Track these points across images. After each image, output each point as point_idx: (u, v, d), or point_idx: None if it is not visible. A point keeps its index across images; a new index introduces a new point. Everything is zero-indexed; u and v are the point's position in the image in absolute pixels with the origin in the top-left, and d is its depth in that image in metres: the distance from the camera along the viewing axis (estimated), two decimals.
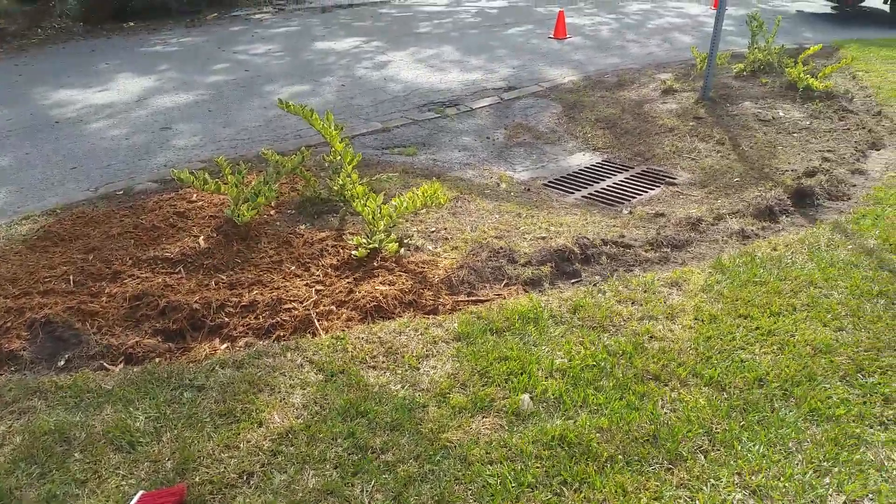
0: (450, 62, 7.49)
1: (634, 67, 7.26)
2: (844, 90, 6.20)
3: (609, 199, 4.37)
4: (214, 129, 5.43)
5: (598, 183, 4.64)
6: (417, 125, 5.47)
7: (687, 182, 4.62)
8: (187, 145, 5.08)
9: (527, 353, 2.53)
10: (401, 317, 2.76)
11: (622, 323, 2.79)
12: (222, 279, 3.08)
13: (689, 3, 10.49)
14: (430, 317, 2.76)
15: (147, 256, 3.30)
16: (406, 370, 2.46)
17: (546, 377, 2.41)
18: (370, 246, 3.18)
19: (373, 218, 3.26)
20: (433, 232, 3.50)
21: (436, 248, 3.33)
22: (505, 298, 2.93)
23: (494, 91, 6.41)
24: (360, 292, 2.90)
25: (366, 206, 3.27)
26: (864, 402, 2.36)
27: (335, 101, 6.16)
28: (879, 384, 2.44)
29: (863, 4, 9.50)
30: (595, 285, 3.10)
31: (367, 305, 2.82)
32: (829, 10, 9.79)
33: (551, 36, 8.67)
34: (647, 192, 4.49)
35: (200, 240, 3.44)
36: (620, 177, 4.75)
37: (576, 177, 4.75)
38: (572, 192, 4.48)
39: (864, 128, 5.32)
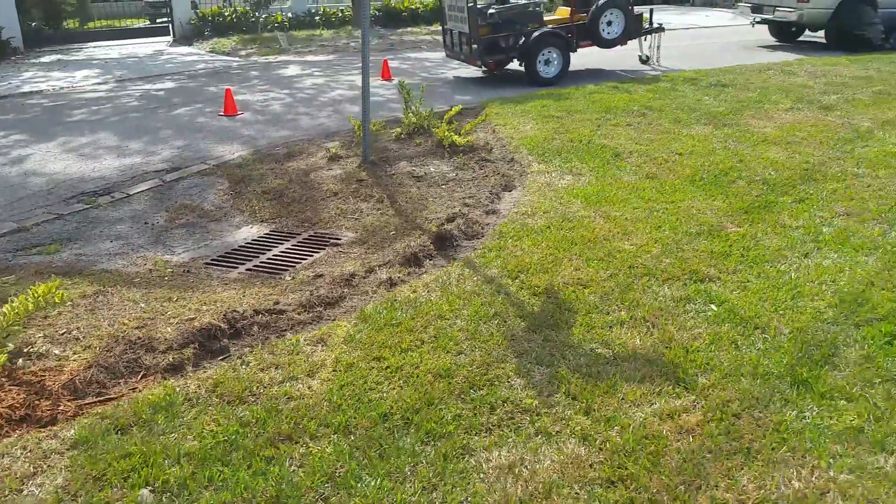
0: (105, 148, 7.14)
1: (305, 138, 7.57)
2: (485, 143, 7.06)
3: (273, 269, 4.47)
4: None
5: (263, 254, 4.73)
6: (63, 220, 5.12)
7: (349, 241, 4.90)
8: None
9: (153, 444, 2.47)
10: (9, 436, 2.53)
11: (262, 390, 2.87)
12: None
13: (359, 77, 11.20)
14: (47, 429, 2.58)
15: None
16: (4, 496, 2.26)
17: (172, 465, 2.38)
18: None
19: None
20: (63, 334, 3.29)
21: (63, 351, 3.13)
22: (140, 391, 2.84)
23: (156, 174, 6.25)
24: None
25: None
26: (474, 414, 2.68)
27: None
28: (487, 395, 2.80)
29: (507, 67, 10.95)
30: (241, 358, 3.15)
31: None
32: (480, 74, 11.12)
33: (221, 113, 8.71)
34: (311, 255, 4.67)
35: None
36: (287, 245, 4.89)
37: (241, 251, 4.79)
38: (236, 267, 4.51)
39: (499, 173, 6.10)
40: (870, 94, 8.32)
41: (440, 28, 12.05)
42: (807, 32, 13.70)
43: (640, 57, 11.65)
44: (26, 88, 11.22)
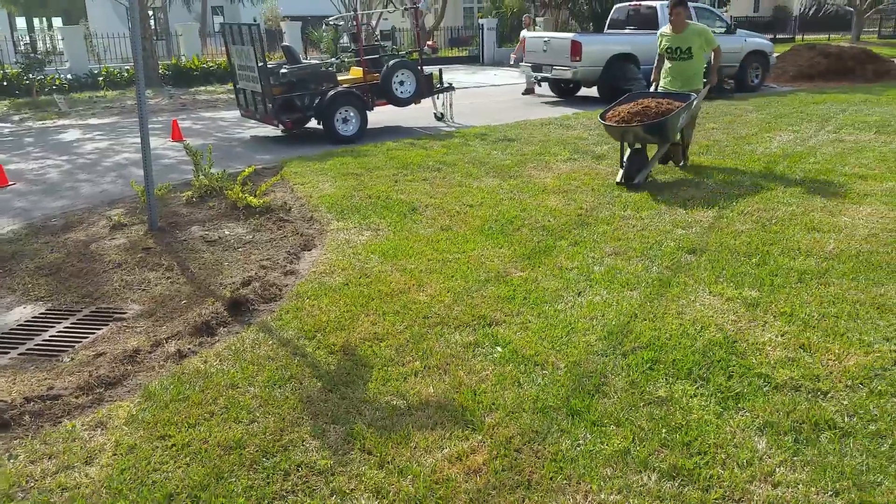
0: None
1: (85, 207, 7.09)
2: (283, 202, 7.02)
3: (50, 350, 4.10)
4: None
5: (39, 335, 4.33)
6: None
7: (136, 314, 4.62)
8: None
9: None
10: None
11: (33, 483, 2.63)
12: None
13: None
14: None
15: None
16: None
17: None
18: None
19: None
20: None
21: None
22: None
23: None
24: None
25: None
26: (267, 483, 2.63)
27: None
28: (280, 462, 2.75)
29: (307, 126, 11.02)
30: (9, 452, 2.85)
31: None
32: (280, 133, 11.08)
33: None
34: (93, 333, 4.35)
35: None
36: (65, 323, 4.51)
37: (13, 334, 4.35)
38: (7, 353, 4.08)
39: (298, 233, 6.09)
40: None
41: (233, 86, 11.92)
42: (582, 88, 15.12)
43: (434, 114, 12.27)
44: None
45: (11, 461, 2.78)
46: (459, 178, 7.63)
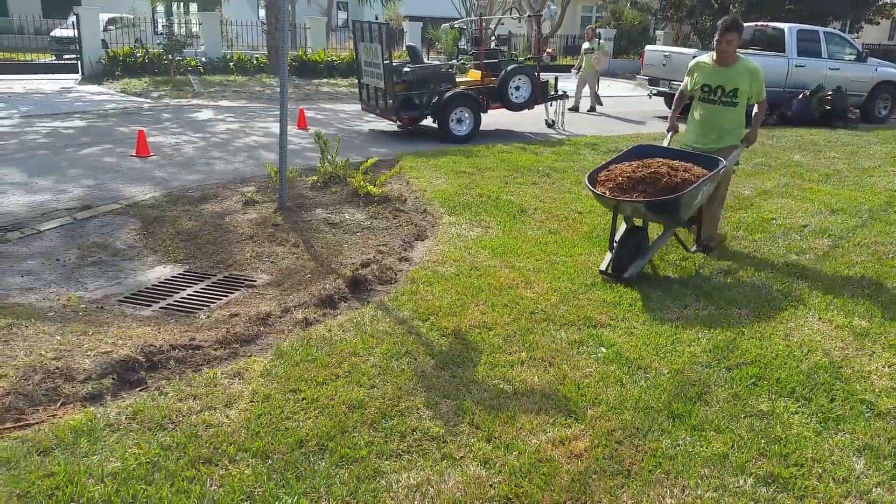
0: (12, 185, 7.02)
1: (219, 183, 7.66)
2: (399, 194, 7.36)
3: (188, 308, 4.55)
4: None
5: (177, 293, 4.80)
6: None
7: (265, 283, 5.03)
8: None
9: (76, 464, 2.57)
10: None
11: (181, 419, 2.99)
12: None
13: (274, 124, 11.43)
14: None
15: None
16: None
17: (96, 483, 2.48)
18: None
19: None
20: None
21: None
22: (61, 417, 2.90)
23: (67, 211, 6.20)
24: None
25: None
26: (385, 441, 2.90)
27: None
28: (397, 424, 3.02)
29: (421, 123, 11.39)
30: (159, 389, 3.24)
31: None
32: (395, 128, 11.52)
33: (133, 154, 8.68)
34: (226, 296, 4.78)
35: None
36: (201, 285, 4.97)
37: (155, 289, 4.84)
38: (150, 305, 4.56)
39: (412, 223, 6.40)
40: (752, 165, 9.19)
41: (356, 81, 12.44)
42: None
43: (546, 121, 12.41)
44: None
45: (162, 397, 3.17)
46: (568, 185, 7.75)
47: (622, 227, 5.08)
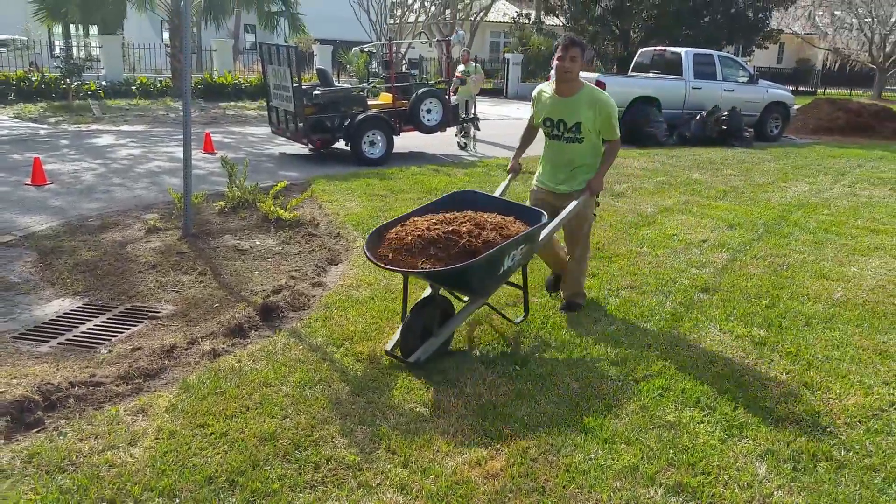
0: None
1: (120, 210, 7.36)
2: (311, 218, 7.27)
3: (88, 343, 4.33)
4: None
5: (77, 328, 4.56)
6: None
7: (169, 314, 4.84)
8: None
9: None
10: None
11: (82, 459, 2.83)
12: None
13: (178, 148, 11.04)
14: None
15: None
16: None
17: None
18: None
19: None
20: None
21: None
22: None
23: None
24: None
25: None
26: (299, 473, 2.83)
27: None
28: (311, 455, 2.95)
29: (334, 146, 11.32)
30: (57, 429, 3.07)
31: None
32: (307, 152, 11.40)
33: (28, 183, 8.24)
34: (129, 329, 4.57)
35: None
36: (102, 318, 4.74)
37: (53, 324, 4.59)
38: (47, 341, 4.31)
39: (326, 248, 6.32)
40: (654, 184, 9.61)
41: (265, 104, 12.27)
42: None
43: (458, 143, 12.58)
44: None
45: (61, 438, 3.00)
46: None
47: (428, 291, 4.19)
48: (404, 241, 3.84)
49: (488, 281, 3.97)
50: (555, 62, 4.30)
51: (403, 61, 24.43)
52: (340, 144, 11.04)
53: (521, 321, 4.47)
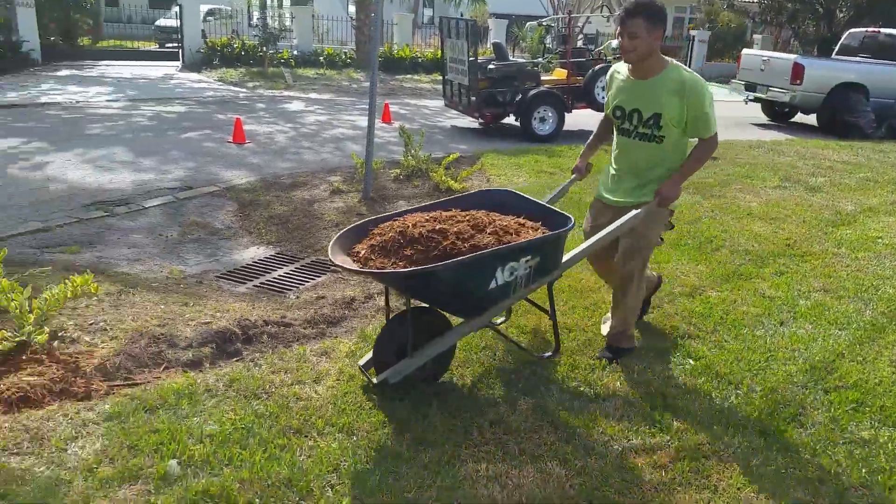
0: (121, 163, 7.42)
1: (308, 171, 7.87)
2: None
3: (278, 287, 4.71)
4: None
5: (269, 273, 4.96)
6: (83, 224, 5.36)
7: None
8: None
9: (178, 424, 2.74)
10: (51, 405, 2.83)
11: (273, 390, 3.13)
12: None
13: (360, 117, 11.63)
14: (83, 402, 2.87)
15: None
16: (52, 452, 2.56)
17: (196, 443, 2.64)
18: (16, 339, 3.13)
19: (20, 312, 3.20)
20: (91, 324, 3.55)
21: (93, 339, 3.38)
22: (164, 380, 3.08)
23: (169, 191, 6.51)
24: (3, 384, 2.86)
25: (12, 299, 3.20)
26: (465, 431, 2.91)
27: None
28: (476, 415, 3.03)
29: (503, 121, 11.37)
30: (253, 361, 3.38)
31: (13, 396, 2.80)
32: (476, 126, 11.55)
33: (230, 141, 9.02)
34: (314, 279, 4.91)
35: None
36: (291, 267, 5.13)
37: (249, 269, 5.03)
38: (244, 283, 4.74)
39: None
40: (856, 180, 8.73)
41: (440, 77, 12.50)
42: (799, 114, 14.06)
43: None
44: (44, 99, 11.56)
45: (257, 368, 3.31)
46: None
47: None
48: (384, 238, 3.15)
49: (472, 297, 3.10)
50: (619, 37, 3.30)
51: (580, 36, 23.90)
52: (509, 120, 11.04)
53: (550, 357, 3.62)
